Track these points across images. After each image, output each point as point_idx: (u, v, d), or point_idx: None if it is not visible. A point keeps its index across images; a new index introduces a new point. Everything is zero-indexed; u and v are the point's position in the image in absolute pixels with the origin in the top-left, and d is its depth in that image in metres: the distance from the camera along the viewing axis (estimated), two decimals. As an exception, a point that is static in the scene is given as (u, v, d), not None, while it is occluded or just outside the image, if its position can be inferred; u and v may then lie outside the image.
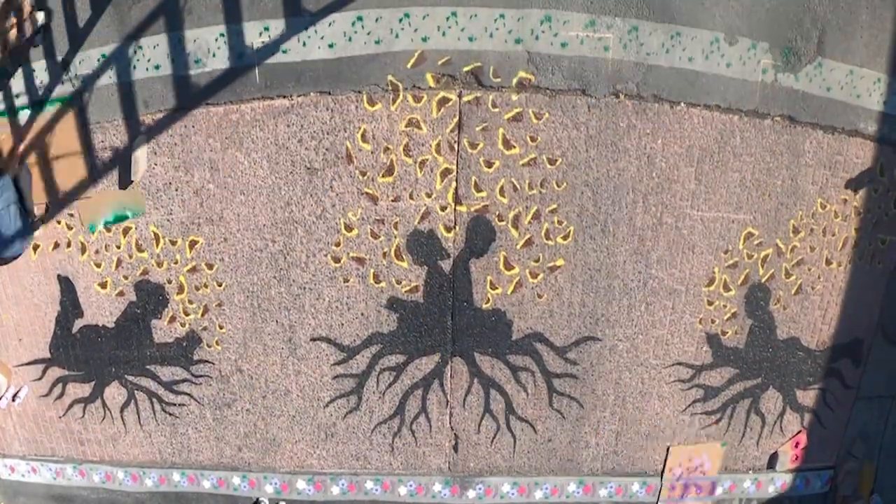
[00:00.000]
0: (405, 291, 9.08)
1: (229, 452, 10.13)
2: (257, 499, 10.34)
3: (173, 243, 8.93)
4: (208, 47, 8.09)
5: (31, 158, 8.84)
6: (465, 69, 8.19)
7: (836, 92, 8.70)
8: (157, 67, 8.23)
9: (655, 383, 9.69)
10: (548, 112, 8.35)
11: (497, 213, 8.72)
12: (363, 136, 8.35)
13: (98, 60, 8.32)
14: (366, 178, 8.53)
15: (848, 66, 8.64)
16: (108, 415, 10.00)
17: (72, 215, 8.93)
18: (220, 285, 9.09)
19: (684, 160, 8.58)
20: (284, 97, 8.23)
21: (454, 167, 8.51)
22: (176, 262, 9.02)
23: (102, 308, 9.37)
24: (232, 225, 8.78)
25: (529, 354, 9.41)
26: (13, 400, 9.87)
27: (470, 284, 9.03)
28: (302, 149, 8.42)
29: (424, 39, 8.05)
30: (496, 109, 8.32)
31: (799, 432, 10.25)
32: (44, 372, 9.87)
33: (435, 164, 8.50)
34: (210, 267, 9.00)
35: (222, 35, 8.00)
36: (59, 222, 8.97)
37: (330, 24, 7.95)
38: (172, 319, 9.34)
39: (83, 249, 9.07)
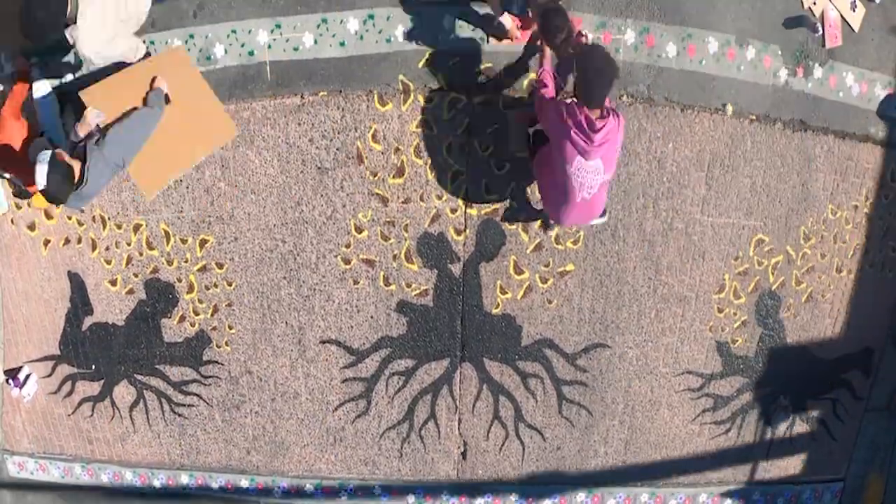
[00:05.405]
0: (415, 295, 9.07)
1: (237, 455, 10.11)
2: None
3: (183, 241, 8.94)
4: (220, 43, 8.13)
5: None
6: (477, 70, 8.23)
7: (847, 96, 8.72)
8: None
9: (665, 392, 9.66)
10: (558, 114, 8.36)
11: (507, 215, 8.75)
12: (374, 136, 8.37)
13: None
14: (376, 178, 8.55)
15: (859, 70, 8.66)
16: (116, 414, 9.99)
17: (82, 210, 8.92)
18: (230, 285, 9.10)
19: (695, 164, 8.58)
20: (295, 95, 8.24)
21: (465, 169, 8.53)
22: (186, 261, 9.03)
23: (112, 305, 9.37)
24: (242, 224, 8.79)
25: (539, 361, 9.38)
26: (21, 393, 9.88)
27: (480, 288, 9.02)
28: (313, 148, 8.43)
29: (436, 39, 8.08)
30: (507, 111, 8.33)
31: None
32: (53, 369, 9.87)
33: (446, 166, 8.51)
34: (220, 266, 9.01)
35: (234, 31, 8.03)
36: (69, 218, 8.98)
37: (341, 22, 7.99)
38: (182, 319, 9.35)
39: (93, 246, 9.08)
